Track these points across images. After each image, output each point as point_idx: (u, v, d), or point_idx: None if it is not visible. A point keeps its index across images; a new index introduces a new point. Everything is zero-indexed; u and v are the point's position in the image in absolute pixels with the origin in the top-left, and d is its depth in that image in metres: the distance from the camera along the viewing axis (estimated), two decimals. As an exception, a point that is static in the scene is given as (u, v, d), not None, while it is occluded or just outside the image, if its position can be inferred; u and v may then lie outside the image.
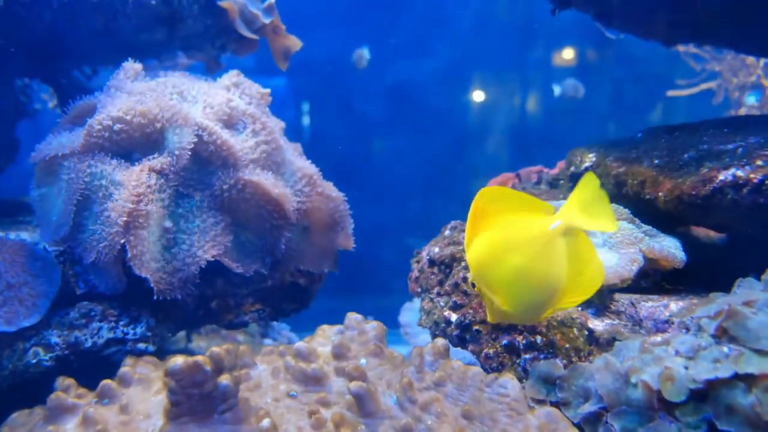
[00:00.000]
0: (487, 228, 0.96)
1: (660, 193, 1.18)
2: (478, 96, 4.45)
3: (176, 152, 1.29)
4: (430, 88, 4.37)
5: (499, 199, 0.96)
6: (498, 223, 0.96)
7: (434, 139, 4.31)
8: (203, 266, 1.30)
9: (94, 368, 1.25)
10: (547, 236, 0.89)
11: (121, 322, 1.30)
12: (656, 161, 1.25)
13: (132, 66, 1.49)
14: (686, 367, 0.87)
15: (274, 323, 2.61)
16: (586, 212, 0.89)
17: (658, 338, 0.98)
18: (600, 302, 1.14)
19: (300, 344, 1.13)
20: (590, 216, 0.89)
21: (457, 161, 4.37)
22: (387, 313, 1.52)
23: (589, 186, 0.89)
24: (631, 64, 3.96)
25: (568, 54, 4.31)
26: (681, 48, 3.41)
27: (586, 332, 1.08)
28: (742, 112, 3.41)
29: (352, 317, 1.23)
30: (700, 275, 1.16)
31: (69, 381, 1.14)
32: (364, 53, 3.65)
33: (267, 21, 1.90)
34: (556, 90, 3.69)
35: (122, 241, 1.22)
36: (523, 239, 0.93)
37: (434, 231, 1.67)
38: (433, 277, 1.42)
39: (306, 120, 4.34)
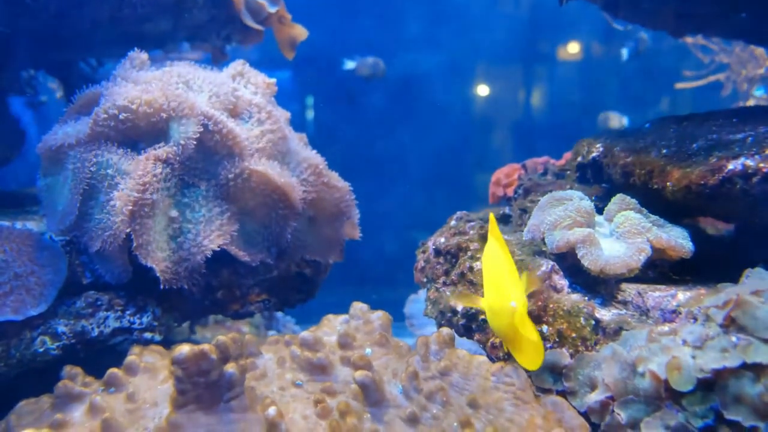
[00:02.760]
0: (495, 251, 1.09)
1: (668, 183, 1.17)
2: (483, 88, 4.43)
3: (182, 141, 1.29)
4: (435, 80, 4.35)
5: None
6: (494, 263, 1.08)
7: (439, 131, 4.29)
8: (209, 256, 1.30)
9: (101, 357, 1.25)
10: (508, 308, 0.99)
11: (128, 312, 1.30)
12: (664, 151, 1.24)
13: (138, 56, 1.48)
14: (694, 357, 0.87)
15: (279, 315, 2.61)
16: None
17: (666, 328, 0.97)
18: (607, 292, 1.13)
19: (305, 333, 1.13)
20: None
21: (462, 153, 4.36)
22: (391, 306, 1.51)
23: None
24: (637, 56, 3.92)
25: (573, 47, 4.29)
26: (689, 39, 3.38)
27: (593, 322, 1.07)
28: (750, 104, 3.39)
29: (358, 307, 1.22)
30: (707, 266, 1.15)
31: (76, 369, 1.14)
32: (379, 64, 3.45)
33: (273, 11, 1.90)
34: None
35: (127, 230, 1.21)
36: (495, 295, 1.03)
37: (439, 223, 1.66)
38: (439, 267, 1.42)
39: (310, 112, 4.33)
